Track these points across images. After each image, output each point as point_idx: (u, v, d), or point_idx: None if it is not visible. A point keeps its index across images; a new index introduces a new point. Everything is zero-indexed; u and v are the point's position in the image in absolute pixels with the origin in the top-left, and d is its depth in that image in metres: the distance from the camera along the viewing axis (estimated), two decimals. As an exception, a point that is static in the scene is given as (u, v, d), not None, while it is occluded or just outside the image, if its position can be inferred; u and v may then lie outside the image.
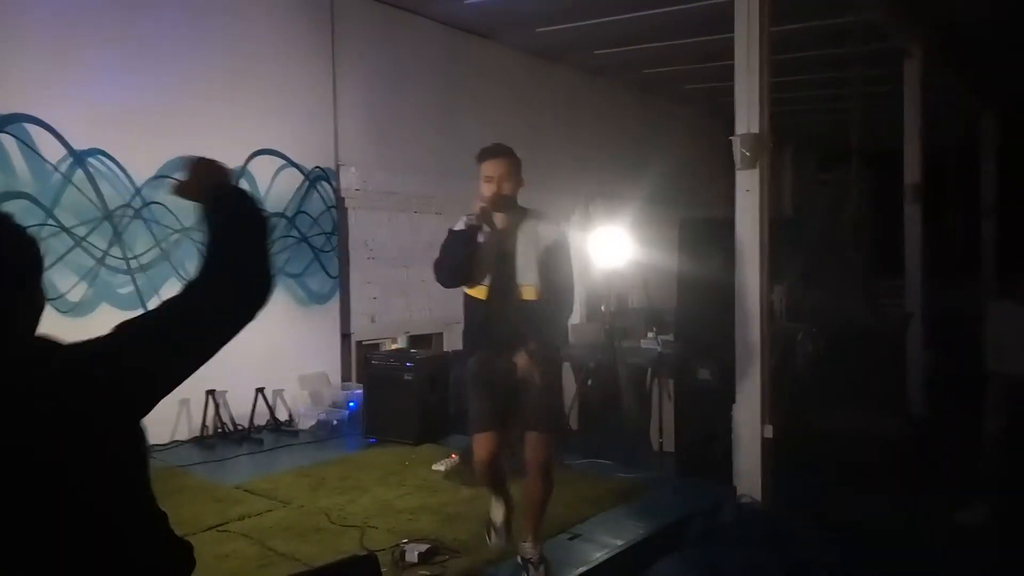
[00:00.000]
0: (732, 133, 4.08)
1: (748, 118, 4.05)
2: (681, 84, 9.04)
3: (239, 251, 1.24)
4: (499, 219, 2.90)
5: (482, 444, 2.92)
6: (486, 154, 2.94)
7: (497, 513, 3.09)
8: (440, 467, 4.20)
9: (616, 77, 8.65)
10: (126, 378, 1.14)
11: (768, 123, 4.07)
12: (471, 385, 3.00)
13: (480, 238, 2.88)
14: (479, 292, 2.94)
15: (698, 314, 4.49)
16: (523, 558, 2.96)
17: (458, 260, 2.89)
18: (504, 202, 2.88)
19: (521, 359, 2.85)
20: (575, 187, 7.63)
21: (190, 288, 1.21)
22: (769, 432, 3.99)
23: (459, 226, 2.90)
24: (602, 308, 6.70)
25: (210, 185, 1.29)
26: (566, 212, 7.36)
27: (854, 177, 7.79)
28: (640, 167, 8.34)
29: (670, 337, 5.16)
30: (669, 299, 5.34)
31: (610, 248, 4.89)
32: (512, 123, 7.39)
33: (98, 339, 1.15)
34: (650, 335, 5.41)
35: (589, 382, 5.10)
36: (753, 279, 4.05)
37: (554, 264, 2.90)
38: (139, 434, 1.19)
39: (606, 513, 3.63)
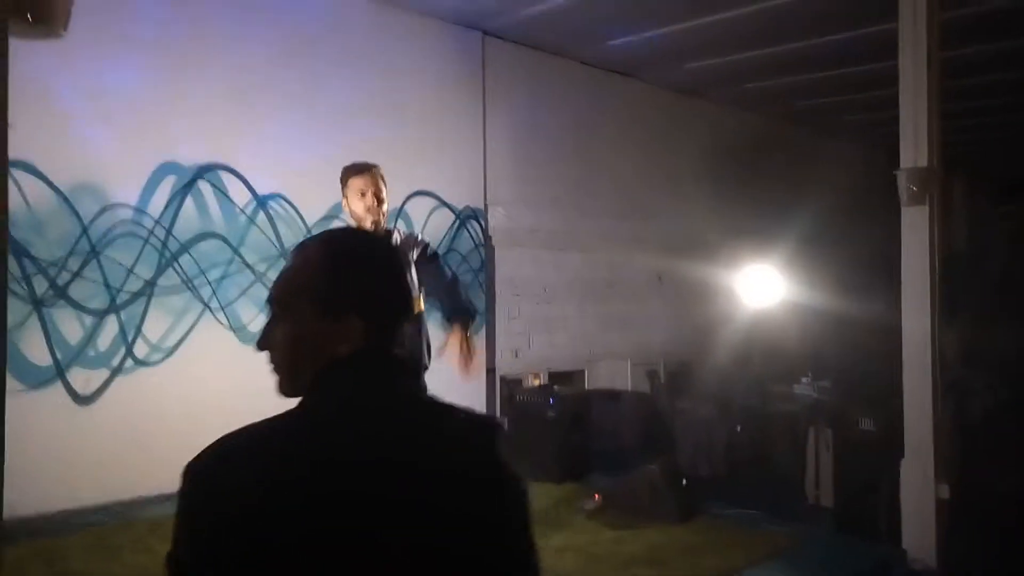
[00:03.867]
0: (896, 166, 3.85)
1: (915, 150, 3.80)
2: (838, 115, 8.63)
3: None
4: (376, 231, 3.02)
5: None
6: (353, 171, 3.07)
7: None
8: (584, 506, 4.20)
9: (766, 110, 8.40)
10: None
11: (938, 155, 3.80)
12: None
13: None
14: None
15: (860, 359, 4.23)
16: None
17: None
18: (381, 217, 3.02)
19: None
20: (722, 224, 7.44)
21: None
22: (945, 492, 3.65)
23: None
24: (748, 354, 6.47)
25: None
26: (713, 249, 7.20)
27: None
28: (794, 203, 8.00)
29: (827, 383, 4.88)
30: (826, 343, 5.07)
31: (761, 287, 4.73)
32: (655, 160, 7.38)
33: None
34: (804, 380, 5.14)
35: (739, 428, 4.92)
36: (921, 323, 3.77)
37: (432, 268, 3.12)
38: None
39: (758, 568, 3.46)
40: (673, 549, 3.63)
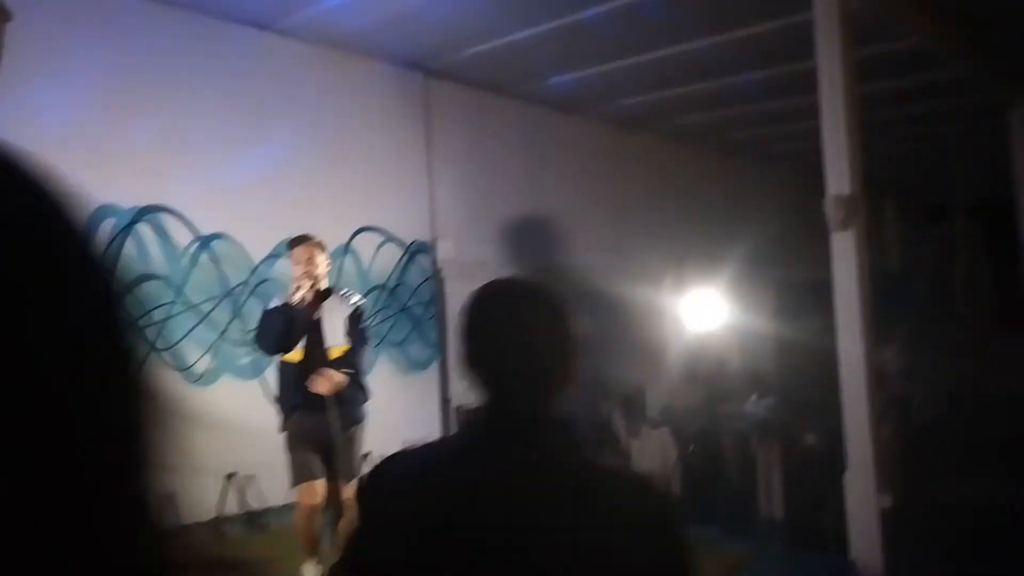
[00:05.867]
0: (823, 193, 4.04)
1: (839, 179, 4.00)
2: (768, 146, 9.01)
3: None
4: (309, 294, 3.53)
5: (307, 492, 3.47)
6: (295, 242, 3.62)
7: (310, 570, 3.48)
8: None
9: (701, 142, 8.72)
10: None
11: (860, 183, 4.00)
12: (292, 442, 3.53)
13: (295, 313, 3.50)
14: (294, 355, 3.53)
15: (801, 378, 4.38)
16: None
17: (280, 332, 3.51)
18: (315, 280, 3.54)
19: (331, 415, 3.41)
20: (664, 251, 7.64)
21: None
22: (887, 502, 3.78)
23: (275, 304, 3.58)
24: (697, 374, 6.61)
25: None
26: (657, 276, 7.37)
27: (961, 230, 7.45)
28: (731, 230, 8.28)
29: (772, 402, 5.02)
30: (768, 364, 5.22)
31: (704, 311, 4.87)
32: (598, 192, 7.56)
33: None
34: (752, 398, 5.28)
35: (691, 447, 5.01)
36: (855, 343, 3.93)
37: (354, 328, 3.55)
38: None
39: (713, 585, 3.51)
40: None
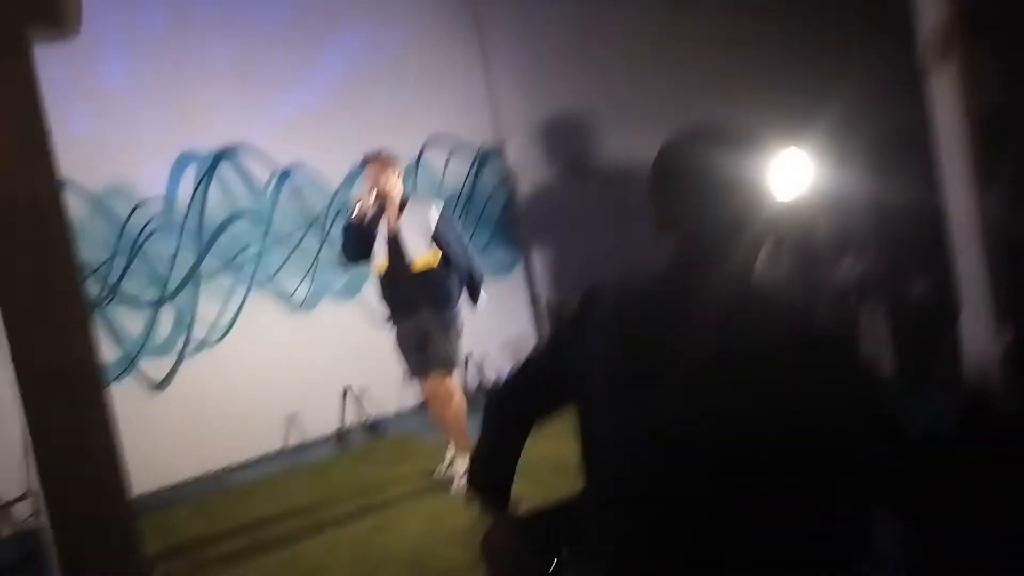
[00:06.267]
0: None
1: (932, 7, 3.66)
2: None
3: None
4: (372, 208, 3.67)
5: (420, 391, 4.01)
6: (364, 160, 3.76)
7: (457, 463, 3.69)
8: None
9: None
10: None
11: (959, 10, 3.65)
12: (396, 345, 3.79)
13: (365, 226, 3.69)
14: (380, 266, 3.72)
15: (901, 230, 4.18)
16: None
17: (350, 245, 3.75)
18: (382, 194, 3.66)
19: (423, 316, 3.65)
20: (746, 102, 7.29)
21: None
22: (1008, 335, 3.63)
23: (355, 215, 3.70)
24: (785, 240, 6.39)
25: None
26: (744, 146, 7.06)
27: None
28: (820, 84, 7.76)
29: (871, 259, 4.84)
30: (864, 221, 5.00)
31: (789, 175, 4.66)
32: (653, 64, 7.15)
33: None
34: (845, 262, 5.11)
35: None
36: (961, 185, 3.68)
37: (442, 238, 3.67)
38: None
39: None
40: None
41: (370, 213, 3.69)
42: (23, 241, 1.65)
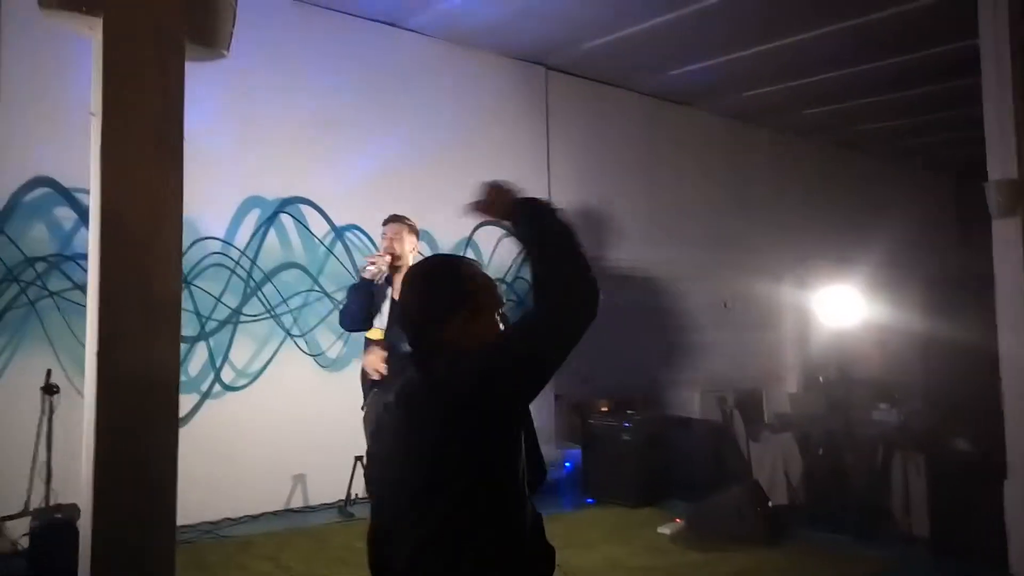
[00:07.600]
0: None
1: (1002, 163, 3.73)
2: (900, 139, 8.52)
3: (557, 257, 1.29)
4: (386, 269, 3.46)
5: None
6: (387, 220, 3.61)
7: None
8: (665, 530, 4.12)
9: (825, 136, 8.35)
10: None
11: (1025, 167, 3.72)
12: (365, 423, 3.47)
13: (375, 288, 3.45)
14: (374, 334, 3.47)
15: (952, 380, 4.10)
16: None
17: (354, 306, 3.48)
18: (397, 257, 3.48)
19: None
20: (784, 250, 7.37)
21: (533, 307, 1.26)
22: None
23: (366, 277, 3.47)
24: (820, 379, 6.32)
25: (507, 202, 1.38)
26: (776, 274, 7.12)
27: None
28: (860, 227, 7.88)
29: (915, 406, 4.72)
30: (903, 370, 4.94)
31: (839, 309, 4.64)
32: (718, 187, 7.37)
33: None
34: (883, 406, 5.00)
35: (820, 451, 4.77)
36: (1020, 338, 3.64)
37: None
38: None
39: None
40: (764, 572, 3.54)
41: (382, 276, 3.45)
42: (137, 254, 1.66)
